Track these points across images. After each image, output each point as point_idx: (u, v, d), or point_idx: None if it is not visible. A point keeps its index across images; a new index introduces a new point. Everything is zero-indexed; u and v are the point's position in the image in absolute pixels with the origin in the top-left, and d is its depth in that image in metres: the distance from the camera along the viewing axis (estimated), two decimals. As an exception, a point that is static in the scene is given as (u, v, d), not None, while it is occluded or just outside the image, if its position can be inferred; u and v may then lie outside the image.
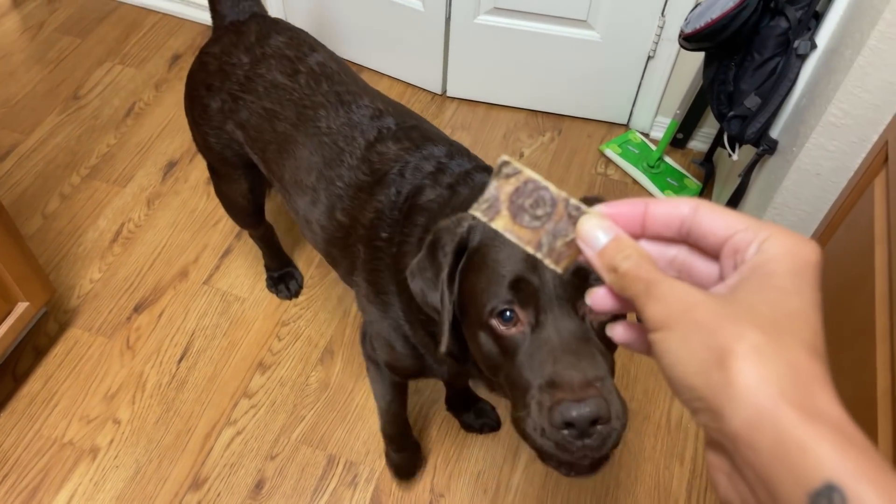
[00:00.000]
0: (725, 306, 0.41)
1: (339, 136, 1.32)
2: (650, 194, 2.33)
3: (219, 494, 1.66)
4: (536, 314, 0.85)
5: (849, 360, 1.10)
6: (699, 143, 2.47)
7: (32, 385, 1.80)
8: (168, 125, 2.43)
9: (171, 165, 2.32)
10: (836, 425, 0.36)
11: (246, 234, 2.12)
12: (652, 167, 2.37)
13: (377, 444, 1.75)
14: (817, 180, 1.44)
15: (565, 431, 0.77)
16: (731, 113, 1.67)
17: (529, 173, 0.50)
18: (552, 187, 0.50)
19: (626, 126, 2.55)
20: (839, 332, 1.19)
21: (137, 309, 1.97)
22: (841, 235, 1.35)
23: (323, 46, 1.50)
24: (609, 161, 2.44)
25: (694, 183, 2.35)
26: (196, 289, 2.02)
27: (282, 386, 1.85)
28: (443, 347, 0.97)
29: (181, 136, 2.40)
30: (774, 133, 1.64)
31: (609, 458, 0.83)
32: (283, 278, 2.02)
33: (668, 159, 2.41)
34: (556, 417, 0.77)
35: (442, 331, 0.96)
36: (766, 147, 1.61)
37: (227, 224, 2.16)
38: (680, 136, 2.44)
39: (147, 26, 2.79)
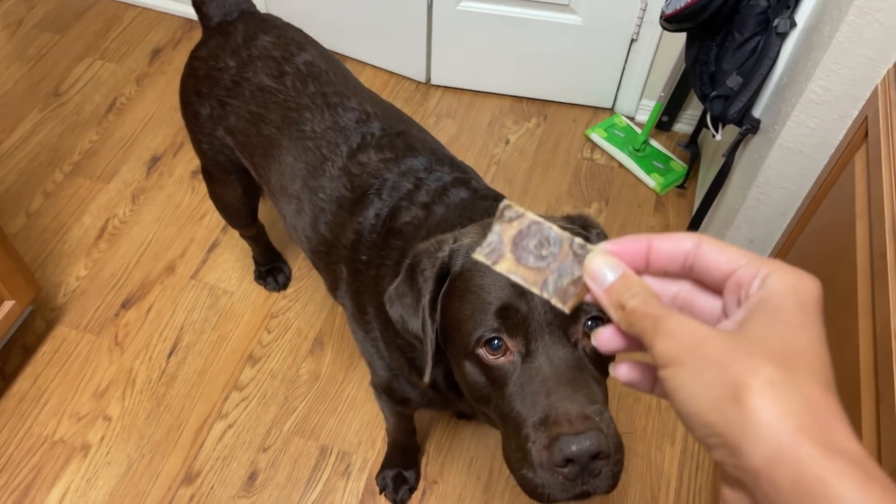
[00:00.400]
0: (736, 341, 0.41)
1: (322, 141, 1.30)
2: (636, 178, 2.34)
3: (212, 487, 1.66)
4: (526, 343, 0.82)
5: (832, 332, 1.11)
6: (684, 125, 2.48)
7: (21, 384, 1.80)
8: (150, 120, 2.42)
9: (155, 160, 2.30)
10: (857, 461, 0.36)
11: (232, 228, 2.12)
12: (637, 150, 2.38)
13: (369, 433, 1.75)
14: (800, 158, 1.45)
15: (565, 469, 0.74)
16: (714, 93, 1.68)
17: (532, 216, 0.51)
18: (556, 228, 0.51)
19: (611, 110, 2.55)
20: (824, 305, 1.20)
21: (125, 305, 1.96)
22: (823, 211, 1.36)
23: (313, 44, 1.46)
24: (595, 145, 2.44)
25: (679, 165, 2.35)
26: (184, 283, 2.01)
27: (272, 378, 1.84)
28: (426, 378, 0.93)
29: (164, 131, 2.38)
30: (757, 112, 1.64)
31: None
32: (271, 271, 2.02)
33: (653, 142, 2.41)
34: (555, 455, 0.73)
35: (426, 360, 0.92)
36: (748, 126, 1.62)
37: (213, 218, 2.15)
38: (665, 118, 2.44)
39: (126, 21, 2.76)
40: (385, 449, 1.69)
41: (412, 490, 1.66)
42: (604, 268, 0.49)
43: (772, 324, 0.42)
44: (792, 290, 0.43)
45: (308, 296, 2.01)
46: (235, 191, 1.62)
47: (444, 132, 2.44)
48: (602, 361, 0.85)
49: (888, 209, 1.03)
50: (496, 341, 0.83)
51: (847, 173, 1.27)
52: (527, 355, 0.81)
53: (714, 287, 0.48)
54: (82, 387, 1.80)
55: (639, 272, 0.50)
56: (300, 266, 2.07)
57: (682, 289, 0.50)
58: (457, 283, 0.89)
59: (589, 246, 0.50)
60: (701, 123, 2.22)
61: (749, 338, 0.41)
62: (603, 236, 0.94)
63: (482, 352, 0.84)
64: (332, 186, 1.27)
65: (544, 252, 0.51)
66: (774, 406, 0.38)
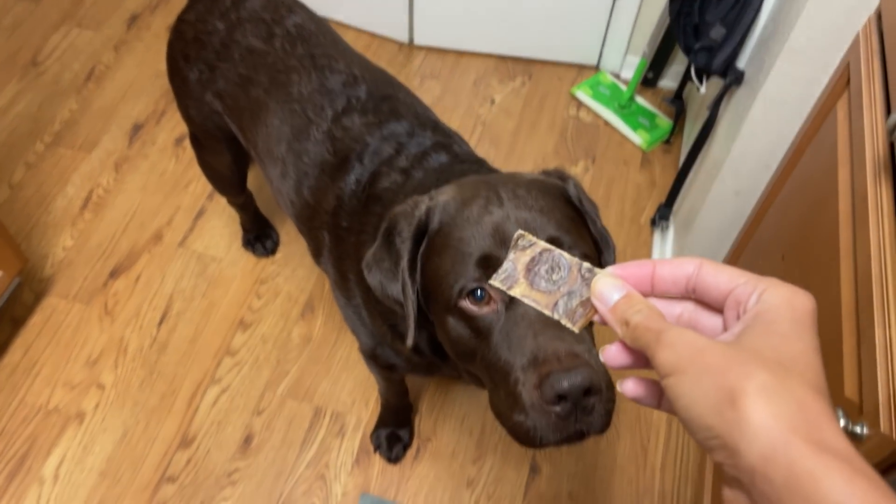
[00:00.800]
0: (733, 350, 0.45)
1: (308, 104, 1.29)
2: (622, 135, 2.34)
3: (208, 451, 1.68)
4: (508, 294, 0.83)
5: (815, 278, 1.13)
6: (669, 81, 2.47)
7: (13, 355, 1.80)
8: (131, 87, 2.38)
9: (137, 128, 2.28)
10: (845, 458, 0.39)
11: (218, 195, 2.11)
12: (623, 107, 2.37)
13: (363, 393, 1.77)
14: (783, 108, 1.45)
15: (557, 408, 0.72)
16: (698, 45, 1.67)
17: (543, 244, 0.57)
18: (566, 255, 0.55)
19: (597, 68, 2.53)
20: (806, 251, 1.21)
21: (113, 274, 1.95)
22: (807, 160, 1.36)
23: (303, 6, 1.44)
24: (580, 103, 2.43)
25: (665, 121, 2.35)
26: (171, 251, 2.01)
27: (264, 342, 1.85)
28: (409, 342, 0.92)
29: (145, 99, 2.35)
30: (741, 63, 1.64)
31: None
32: (259, 237, 2.01)
33: (639, 99, 2.41)
34: (546, 392, 0.72)
35: (408, 324, 0.92)
36: (733, 78, 1.62)
37: (198, 186, 2.14)
38: (650, 75, 2.44)
39: (102, -13, 2.70)
40: (378, 409, 1.71)
41: (406, 448, 1.68)
42: (609, 288, 0.53)
43: (767, 335, 0.45)
44: (787, 304, 0.46)
45: (297, 261, 2.01)
46: (224, 158, 1.61)
47: (429, 93, 2.42)
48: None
49: (869, 154, 1.04)
50: (479, 291, 0.82)
51: (829, 121, 1.27)
52: (511, 303, 0.80)
53: (715, 306, 0.52)
54: (74, 356, 1.81)
55: (644, 295, 0.54)
56: (288, 231, 2.06)
57: (686, 309, 0.54)
58: (435, 239, 0.89)
59: (596, 270, 0.54)
60: (686, 78, 2.22)
61: (745, 347, 0.45)
62: (579, 186, 0.96)
63: (465, 304, 0.83)
64: (315, 150, 1.26)
65: (555, 277, 0.55)
66: (768, 408, 0.41)
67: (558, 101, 2.44)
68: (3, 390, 1.74)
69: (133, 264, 1.98)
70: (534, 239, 0.57)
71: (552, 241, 0.81)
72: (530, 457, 1.69)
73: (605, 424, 0.75)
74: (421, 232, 0.91)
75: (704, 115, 1.81)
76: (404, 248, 0.91)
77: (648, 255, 2.05)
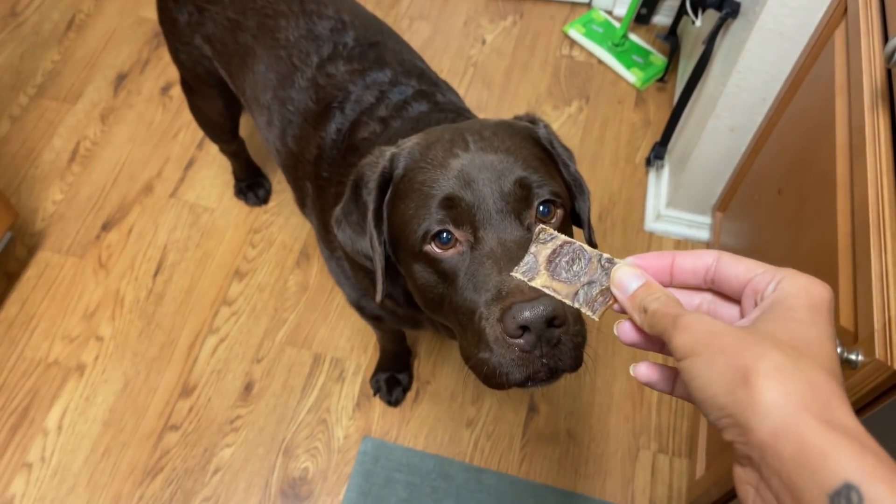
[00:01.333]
0: (748, 332, 0.46)
1: (294, 50, 1.26)
2: (616, 74, 2.30)
3: (209, 399, 1.69)
4: (474, 231, 0.79)
5: (812, 209, 1.12)
6: (663, 17, 2.42)
7: (9, 310, 1.80)
8: (113, 36, 2.32)
9: (122, 78, 2.23)
10: (854, 435, 0.40)
11: (208, 143, 2.08)
12: (617, 45, 2.33)
13: (361, 339, 1.78)
14: (780, 39, 1.42)
15: (521, 340, 0.70)
16: (693, -23, 1.63)
17: (564, 237, 0.58)
18: (587, 247, 0.57)
19: (589, 5, 2.48)
20: (803, 184, 1.21)
21: (105, 227, 1.94)
22: (803, 92, 1.35)
23: None
24: (573, 42, 2.38)
25: (659, 58, 2.31)
26: (163, 202, 1.99)
27: (261, 291, 1.86)
28: (378, 296, 0.91)
29: (128, 47, 2.30)
30: (737, -4, 1.60)
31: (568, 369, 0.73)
32: (251, 186, 1.99)
33: (632, 36, 2.36)
34: (508, 323, 0.69)
35: (376, 277, 0.90)
36: (728, 10, 1.58)
37: (187, 135, 2.11)
38: (644, 10, 2.39)
39: (77, -69, 2.61)
40: (377, 354, 1.72)
41: (406, 391, 1.70)
42: (629, 277, 0.54)
43: (782, 320, 0.46)
44: (804, 292, 0.47)
45: (290, 209, 1.99)
46: (216, 104, 1.58)
47: (418, 35, 2.37)
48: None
49: (867, 83, 1.02)
50: (444, 234, 0.80)
51: (827, 51, 1.25)
52: (476, 243, 0.79)
53: (733, 296, 0.53)
54: (71, 309, 1.81)
55: (664, 285, 0.55)
56: (280, 180, 2.04)
57: (705, 300, 0.55)
58: (400, 185, 0.87)
59: (616, 260, 0.55)
60: (680, 13, 2.17)
61: (760, 330, 0.46)
62: (549, 129, 0.95)
63: (430, 248, 0.82)
64: (299, 98, 1.24)
65: (576, 268, 0.57)
66: (779, 387, 0.42)
67: (550, 39, 2.39)
68: (2, 345, 1.74)
69: (125, 216, 1.96)
70: (554, 233, 0.59)
71: (520, 181, 0.80)
72: (528, 397, 1.71)
73: (576, 361, 0.72)
74: (386, 180, 0.89)
75: (699, 50, 1.78)
76: (370, 198, 0.89)
77: (643, 194, 2.04)
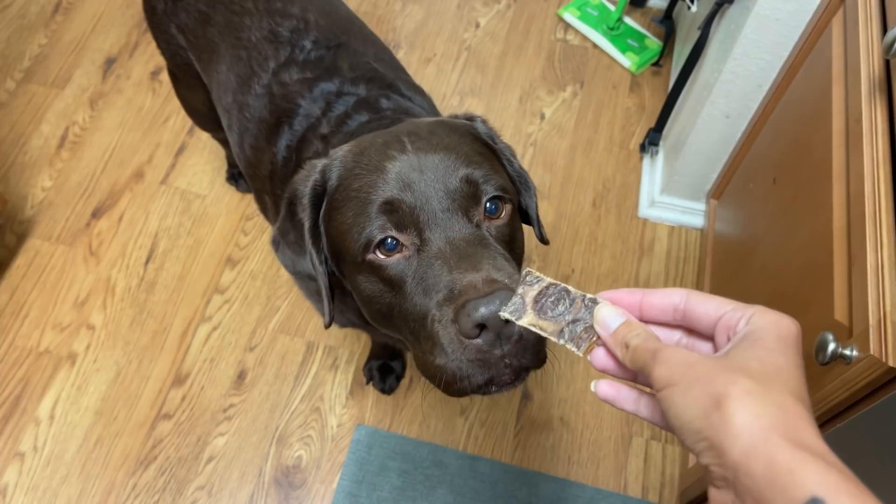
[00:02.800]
0: (720, 362, 0.49)
1: (255, 52, 1.22)
2: (611, 58, 2.28)
3: (202, 388, 1.69)
4: (419, 233, 0.75)
5: (807, 200, 1.12)
6: (658, 0, 2.39)
7: (-2, 298, 1.78)
8: (101, 19, 2.29)
9: (111, 62, 2.20)
10: (819, 453, 0.43)
11: (199, 130, 2.05)
12: (612, 29, 2.31)
13: (353, 326, 1.78)
14: (777, 26, 1.41)
15: (479, 340, 0.65)
16: (689, -39, 1.61)
17: (549, 279, 0.60)
18: (571, 287, 0.60)
19: (584, -13, 2.45)
20: (798, 174, 1.20)
21: (95, 214, 1.92)
22: (800, 80, 1.33)
23: None
24: (568, 26, 2.36)
25: (654, 42, 2.29)
26: (154, 189, 1.97)
27: (253, 279, 1.84)
28: (326, 318, 0.87)
29: (116, 31, 2.26)
30: (733, -20, 1.58)
31: (532, 368, 0.70)
32: (241, 173, 1.97)
33: (627, 20, 2.34)
34: (464, 323, 0.65)
35: (322, 298, 0.85)
36: (725, -5, 1.56)
37: (178, 121, 2.08)
38: (639, -7, 2.36)
39: (63, -89, 2.56)
40: (370, 342, 1.72)
41: (399, 379, 1.70)
42: (611, 316, 0.57)
43: (753, 349, 0.49)
44: (773, 325, 0.51)
45: (282, 195, 1.98)
46: (198, 93, 1.56)
47: (411, 19, 2.34)
48: (511, 240, 0.80)
49: (865, 73, 1.01)
50: (388, 241, 0.76)
51: (824, 39, 1.24)
52: (422, 245, 0.75)
53: (706, 332, 0.56)
54: (62, 297, 1.79)
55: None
56: (272, 166, 2.02)
57: (683, 338, 0.59)
58: (335, 196, 0.83)
59: (598, 299, 0.59)
60: (676, -3, 2.15)
61: (732, 359, 0.49)
62: (488, 124, 0.93)
63: (374, 256, 0.77)
64: (256, 105, 1.20)
65: (560, 307, 0.59)
66: (750, 410, 0.45)
67: (545, 23, 2.37)
68: (-8, 334, 1.73)
69: (115, 204, 1.94)
70: (541, 276, 0.61)
71: (466, 178, 0.77)
72: (521, 385, 1.71)
73: (540, 356, 0.69)
74: (319, 194, 0.85)
75: (695, 35, 1.76)
76: (304, 215, 0.85)
77: (638, 180, 2.03)
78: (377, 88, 1.19)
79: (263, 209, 1.28)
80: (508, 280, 0.67)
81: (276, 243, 0.93)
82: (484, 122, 0.92)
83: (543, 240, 0.97)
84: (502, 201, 0.80)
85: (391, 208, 0.76)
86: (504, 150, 0.91)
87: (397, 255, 0.76)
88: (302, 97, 1.16)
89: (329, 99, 1.15)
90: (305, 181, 0.87)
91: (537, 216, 0.95)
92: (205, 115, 1.67)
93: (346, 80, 1.17)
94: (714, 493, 0.47)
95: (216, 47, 1.28)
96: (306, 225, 0.85)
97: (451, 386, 0.70)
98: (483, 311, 0.63)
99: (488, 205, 0.78)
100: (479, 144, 0.88)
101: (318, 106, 1.15)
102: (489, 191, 0.78)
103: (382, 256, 0.77)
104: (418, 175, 0.78)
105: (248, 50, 1.23)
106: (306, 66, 1.19)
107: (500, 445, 1.64)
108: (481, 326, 0.65)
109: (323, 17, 1.26)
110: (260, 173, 1.20)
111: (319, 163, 0.87)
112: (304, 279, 0.92)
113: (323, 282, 0.86)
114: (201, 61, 1.35)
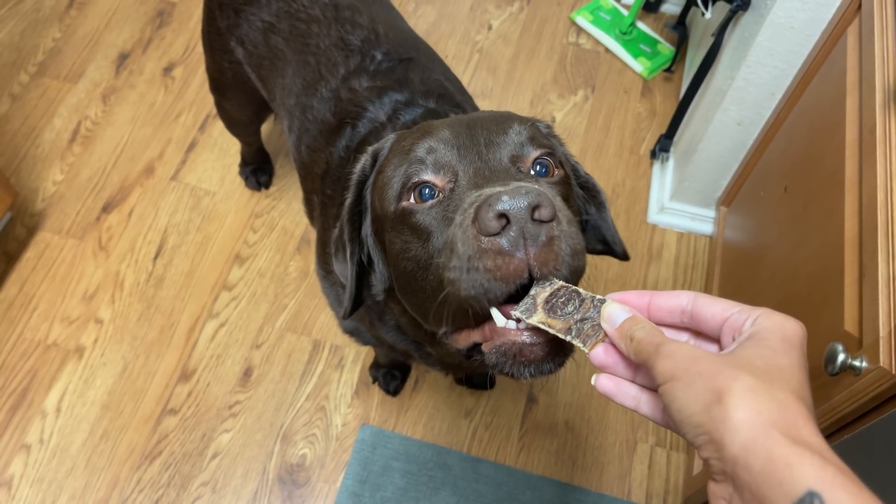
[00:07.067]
0: (724, 359, 0.50)
1: (323, 58, 1.22)
2: (623, 62, 2.28)
3: (208, 384, 1.69)
4: (455, 175, 0.72)
5: (819, 210, 1.11)
6: (672, 6, 2.39)
7: (8, 291, 1.79)
8: (115, 14, 2.30)
9: (124, 58, 2.21)
10: (817, 450, 0.44)
11: (210, 126, 2.06)
12: (625, 34, 2.30)
13: (360, 326, 1.78)
14: (791, 34, 1.40)
15: (502, 240, 0.59)
16: (704, -32, 1.60)
17: (561, 282, 0.62)
18: (581, 290, 0.61)
19: (597, -9, 2.44)
20: (810, 183, 1.20)
21: (106, 209, 1.93)
22: (813, 88, 1.33)
23: None
24: (580, 30, 2.36)
25: (667, 48, 2.29)
26: (164, 185, 1.98)
27: (261, 277, 1.85)
28: (347, 304, 0.86)
29: (130, 26, 2.27)
30: (748, -13, 1.58)
31: (570, 351, 0.65)
32: (255, 171, 1.98)
33: (640, 24, 2.34)
34: (483, 215, 0.58)
35: (347, 276, 0.84)
36: (739, 2, 1.56)
37: (189, 117, 2.09)
38: (652, -1, 2.36)
39: None
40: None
41: (404, 380, 1.70)
42: (616, 312, 0.58)
43: (757, 348, 0.50)
44: (778, 327, 0.51)
45: (292, 194, 1.98)
46: (240, 105, 1.58)
47: (423, 20, 2.34)
48: (566, 194, 0.75)
49: (879, 83, 1.00)
50: (424, 189, 0.72)
51: (839, 48, 1.23)
52: (456, 184, 0.71)
53: (712, 334, 0.56)
54: (70, 291, 1.80)
55: None
56: (282, 164, 2.03)
57: (690, 339, 0.59)
58: (382, 163, 0.83)
59: (606, 299, 0.60)
60: (689, 3, 2.14)
61: (735, 357, 0.50)
62: (550, 127, 0.90)
63: (407, 204, 0.73)
64: (319, 108, 1.21)
65: (570, 307, 0.60)
66: (750, 406, 0.45)
67: (557, 26, 2.37)
68: (1, 325, 1.74)
69: (125, 199, 1.95)
70: (553, 279, 0.62)
71: (516, 129, 0.76)
72: (527, 387, 1.71)
73: (574, 265, 0.62)
74: (366, 175, 0.86)
75: (708, 41, 1.75)
76: (349, 192, 0.85)
77: (647, 186, 2.03)
78: (447, 105, 1.18)
79: (310, 212, 1.28)
80: (544, 189, 0.61)
81: (336, 249, 0.92)
82: (549, 126, 0.88)
83: (626, 255, 0.90)
84: (553, 164, 0.76)
85: (431, 150, 0.74)
86: (569, 157, 0.87)
87: (431, 202, 0.72)
88: (371, 102, 1.16)
89: (397, 107, 1.15)
90: (357, 165, 0.88)
91: (614, 228, 0.88)
92: (246, 127, 1.70)
93: (417, 93, 1.17)
94: (713, 487, 0.48)
95: (281, 54, 1.28)
96: (348, 201, 0.86)
97: (464, 312, 0.64)
98: (506, 199, 0.57)
99: (538, 167, 0.74)
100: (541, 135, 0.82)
101: (384, 112, 1.14)
102: (538, 147, 0.75)
103: (415, 202, 0.73)
104: (466, 129, 0.76)
105: (316, 55, 1.23)
106: (377, 75, 1.19)
107: (504, 448, 1.64)
108: (503, 219, 0.58)
109: (392, 31, 1.26)
110: (313, 172, 1.21)
111: (371, 148, 0.87)
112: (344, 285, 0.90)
113: (352, 262, 0.85)
114: (261, 70, 1.35)
